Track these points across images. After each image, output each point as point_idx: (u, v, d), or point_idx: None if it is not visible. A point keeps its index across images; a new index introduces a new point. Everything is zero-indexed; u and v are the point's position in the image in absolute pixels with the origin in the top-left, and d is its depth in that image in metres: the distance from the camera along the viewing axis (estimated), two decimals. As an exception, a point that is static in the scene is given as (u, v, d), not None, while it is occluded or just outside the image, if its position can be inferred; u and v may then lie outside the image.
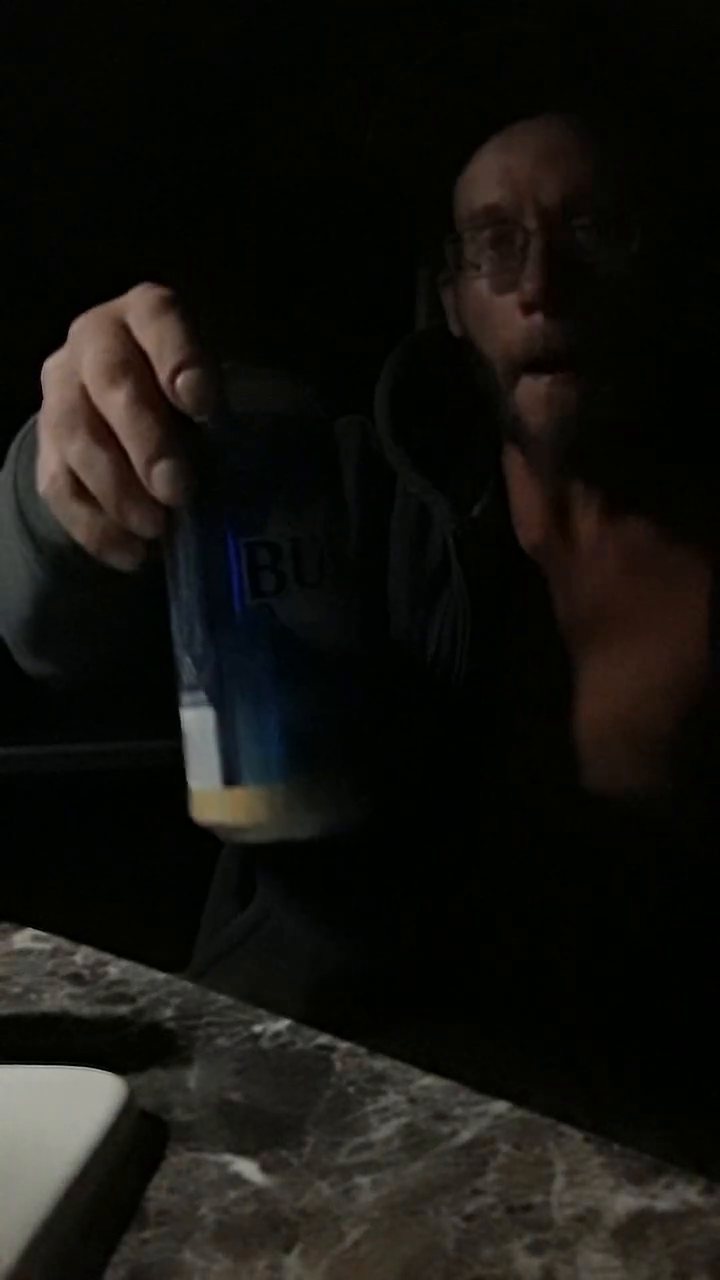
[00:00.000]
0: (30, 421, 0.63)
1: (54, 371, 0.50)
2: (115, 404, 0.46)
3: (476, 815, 0.85)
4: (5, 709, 1.52)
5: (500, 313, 0.80)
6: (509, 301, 0.79)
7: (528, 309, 0.77)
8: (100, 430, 0.47)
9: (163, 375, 0.46)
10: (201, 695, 0.48)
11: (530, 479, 0.88)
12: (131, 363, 0.47)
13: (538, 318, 0.77)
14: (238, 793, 0.47)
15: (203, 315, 0.48)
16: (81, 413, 0.48)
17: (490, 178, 0.81)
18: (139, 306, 0.48)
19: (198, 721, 0.49)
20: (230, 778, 0.47)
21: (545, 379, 0.79)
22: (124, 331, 0.48)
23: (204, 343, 0.47)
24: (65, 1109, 0.43)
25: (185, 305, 0.48)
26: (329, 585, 0.48)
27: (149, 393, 0.46)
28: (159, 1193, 0.40)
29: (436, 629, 0.86)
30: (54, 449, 0.49)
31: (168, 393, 0.46)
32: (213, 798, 0.48)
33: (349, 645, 0.49)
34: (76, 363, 0.48)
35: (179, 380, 0.45)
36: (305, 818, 0.48)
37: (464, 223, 0.83)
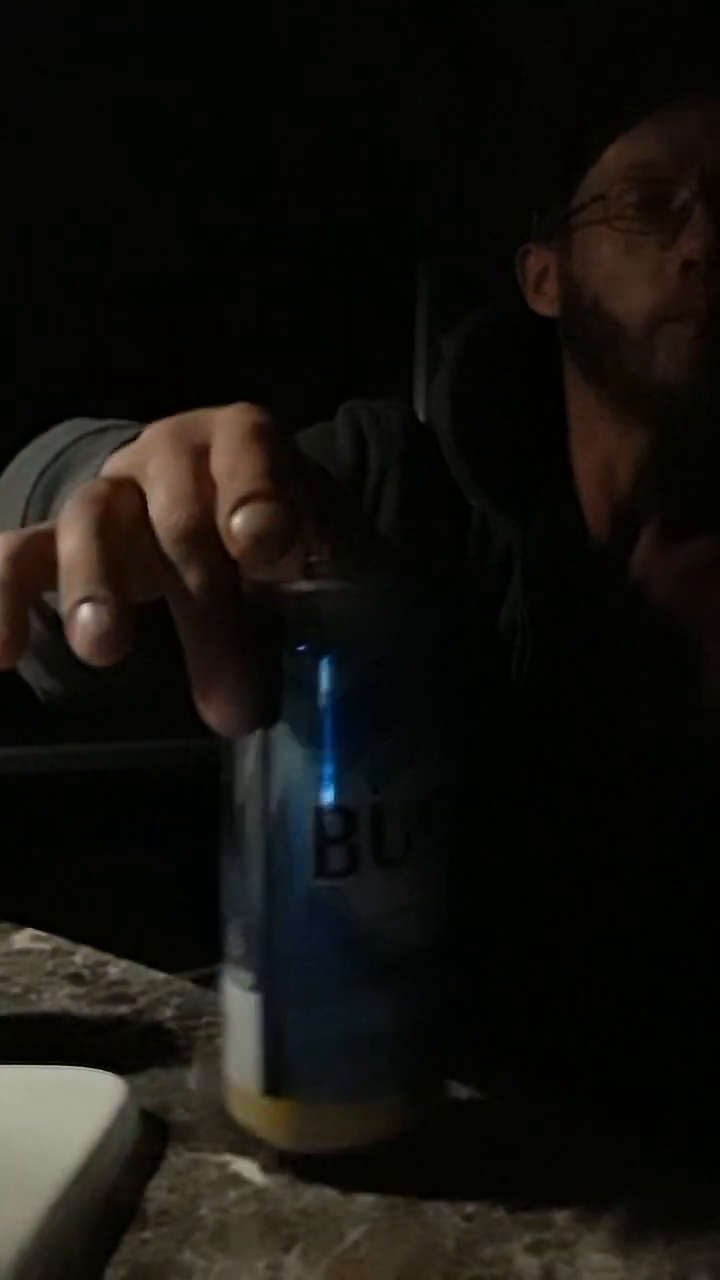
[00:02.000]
0: (54, 464, 0.60)
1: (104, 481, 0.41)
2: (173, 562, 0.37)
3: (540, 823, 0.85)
4: (5, 709, 1.52)
5: (648, 269, 0.80)
6: (660, 258, 0.79)
7: (688, 265, 0.78)
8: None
9: (222, 510, 0.37)
10: (247, 977, 0.41)
11: (599, 488, 0.87)
12: (199, 496, 0.38)
13: (699, 271, 0.77)
14: (280, 1105, 0.41)
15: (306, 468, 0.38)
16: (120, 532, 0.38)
17: (654, 140, 0.81)
18: (228, 426, 0.40)
19: (240, 1005, 0.42)
20: (272, 1086, 0.41)
21: (693, 328, 0.78)
22: (201, 457, 0.40)
23: (288, 483, 0.38)
24: (65, 1109, 0.43)
25: (284, 436, 0.41)
26: (413, 867, 0.40)
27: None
28: (159, 1193, 0.40)
29: (500, 644, 0.85)
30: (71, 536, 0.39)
31: (222, 533, 0.36)
32: (250, 1100, 0.42)
33: (431, 943, 0.42)
34: (139, 472, 0.40)
35: (238, 515, 0.36)
36: (359, 1134, 0.41)
37: (611, 181, 0.82)
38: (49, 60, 1.48)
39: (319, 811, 0.39)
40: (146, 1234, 0.38)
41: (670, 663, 0.85)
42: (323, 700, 0.39)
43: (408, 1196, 0.40)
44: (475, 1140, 0.45)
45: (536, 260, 0.89)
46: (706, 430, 0.82)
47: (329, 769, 0.39)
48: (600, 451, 0.87)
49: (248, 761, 0.40)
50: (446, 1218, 0.39)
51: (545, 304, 0.89)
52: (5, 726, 1.52)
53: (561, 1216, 0.39)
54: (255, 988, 0.41)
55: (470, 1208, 0.39)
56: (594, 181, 0.83)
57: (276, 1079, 0.41)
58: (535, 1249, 0.36)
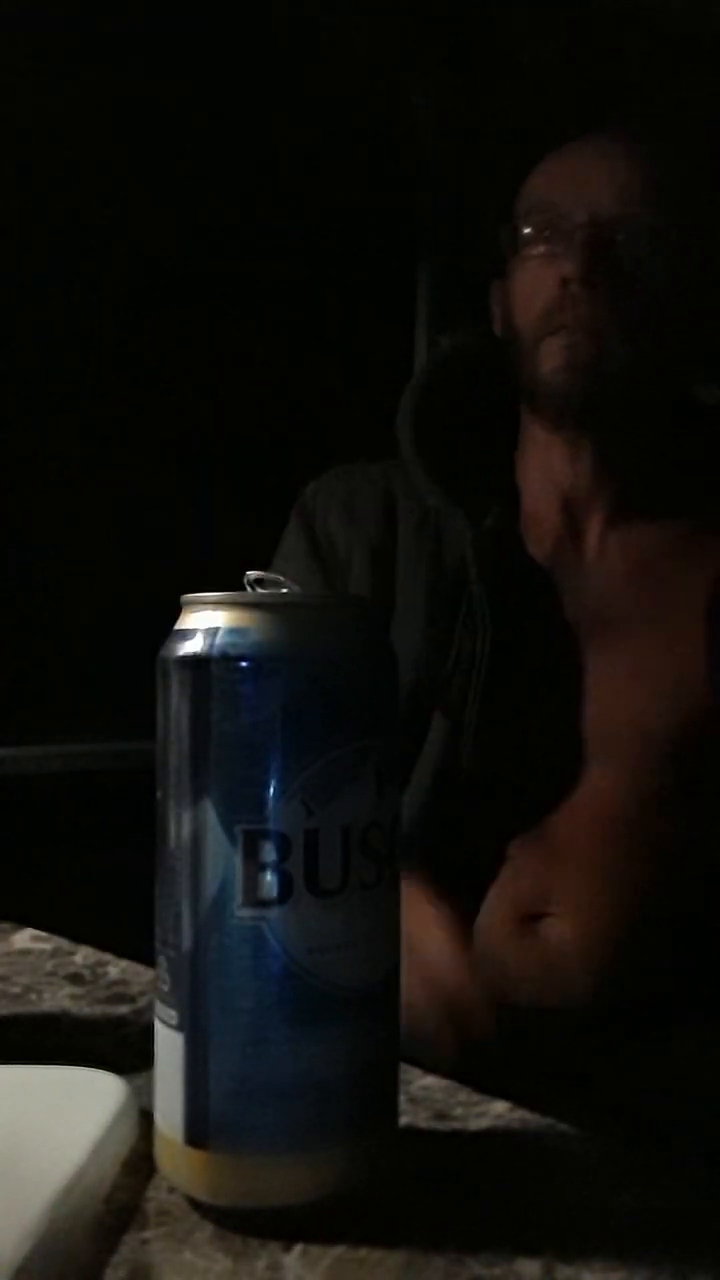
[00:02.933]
0: None
1: None
2: None
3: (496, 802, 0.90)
4: (5, 709, 1.52)
5: (542, 287, 0.92)
6: (550, 276, 0.91)
7: (564, 282, 0.90)
8: None
9: None
10: (172, 1014, 0.38)
11: (544, 484, 0.96)
12: None
13: (572, 288, 0.89)
14: (204, 1157, 0.38)
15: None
16: None
17: (552, 178, 0.95)
18: None
19: (165, 1045, 0.39)
20: (194, 1136, 0.38)
21: (566, 337, 0.90)
22: None
23: None
24: (65, 1109, 0.43)
25: None
26: (353, 899, 0.38)
27: None
28: (159, 1193, 0.40)
29: (456, 640, 0.91)
30: None
31: None
32: (173, 1149, 0.39)
33: (373, 983, 0.39)
34: None
35: None
36: (292, 1191, 0.38)
37: (523, 214, 0.95)
38: (48, 59, 1.48)
39: (249, 834, 0.37)
40: (146, 1234, 0.38)
41: (623, 645, 0.92)
42: (258, 715, 0.37)
43: (408, 1196, 0.40)
44: (475, 1141, 0.44)
45: (496, 292, 1.02)
46: (602, 426, 0.94)
47: (261, 788, 0.37)
48: (539, 452, 0.98)
49: (177, 777, 0.39)
50: (446, 1218, 0.39)
51: (499, 329, 1.01)
52: (5, 726, 1.52)
53: (561, 1217, 0.39)
54: (180, 1026, 0.38)
55: (470, 1208, 0.39)
56: (516, 215, 0.96)
57: (200, 1128, 0.38)
58: (535, 1249, 0.36)
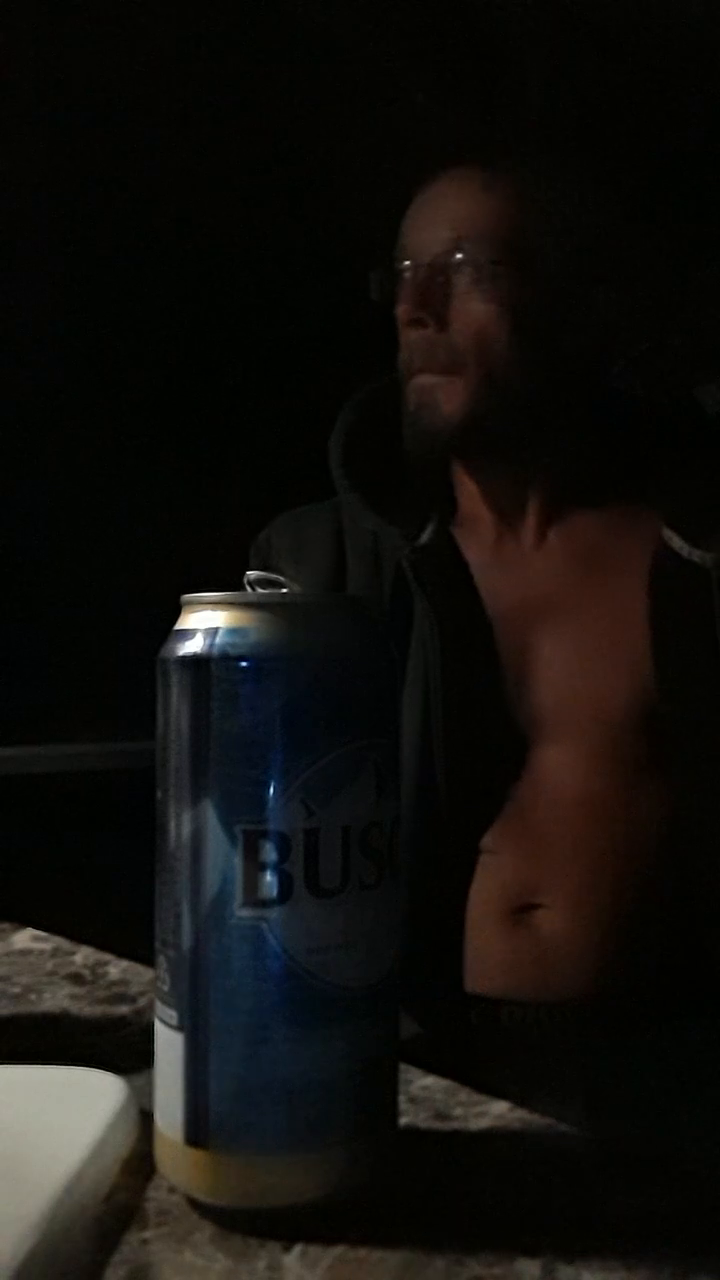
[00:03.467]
0: None
1: None
2: None
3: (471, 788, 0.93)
4: (5, 709, 1.52)
5: (403, 330, 0.98)
6: (402, 318, 0.97)
7: (405, 326, 0.97)
8: None
9: None
10: (172, 1014, 0.39)
11: (477, 495, 1.02)
12: None
13: (411, 333, 0.96)
14: (203, 1157, 0.38)
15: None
16: None
17: (409, 223, 0.99)
18: None
19: (165, 1045, 0.39)
20: (194, 1136, 0.38)
21: (417, 379, 0.97)
22: None
23: None
24: (65, 1109, 0.43)
25: None
26: (353, 899, 0.38)
27: None
28: (159, 1193, 0.40)
29: (410, 651, 0.95)
30: None
31: None
32: (173, 1149, 0.39)
33: (373, 984, 0.39)
34: None
35: None
36: (292, 1191, 0.38)
37: (395, 258, 1.00)
38: (48, 58, 1.48)
39: (249, 834, 0.37)
40: (146, 1234, 0.38)
41: (573, 626, 0.96)
42: (258, 715, 0.37)
43: (408, 1196, 0.40)
44: (475, 1141, 0.44)
45: None
46: (479, 451, 0.99)
47: (261, 788, 0.37)
48: (465, 471, 1.03)
49: (177, 777, 0.39)
50: (446, 1218, 0.39)
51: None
52: (5, 726, 1.52)
53: (561, 1217, 0.39)
54: (179, 1026, 0.38)
55: (470, 1209, 0.39)
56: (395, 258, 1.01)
57: (200, 1128, 0.38)
58: (535, 1249, 0.36)
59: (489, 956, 0.91)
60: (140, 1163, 0.42)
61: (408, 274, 0.96)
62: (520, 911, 0.91)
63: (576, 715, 0.94)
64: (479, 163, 0.97)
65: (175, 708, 0.39)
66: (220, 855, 0.37)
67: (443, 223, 0.96)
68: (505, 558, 1.00)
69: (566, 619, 0.96)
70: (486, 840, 0.93)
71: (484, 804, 0.93)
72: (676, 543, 0.95)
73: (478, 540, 1.01)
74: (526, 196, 0.96)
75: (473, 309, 0.94)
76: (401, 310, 0.96)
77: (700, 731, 0.91)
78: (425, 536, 1.00)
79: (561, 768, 0.94)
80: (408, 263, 0.97)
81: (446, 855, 0.92)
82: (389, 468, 1.03)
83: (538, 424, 0.98)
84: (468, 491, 1.03)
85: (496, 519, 1.01)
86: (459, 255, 0.94)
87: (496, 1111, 0.46)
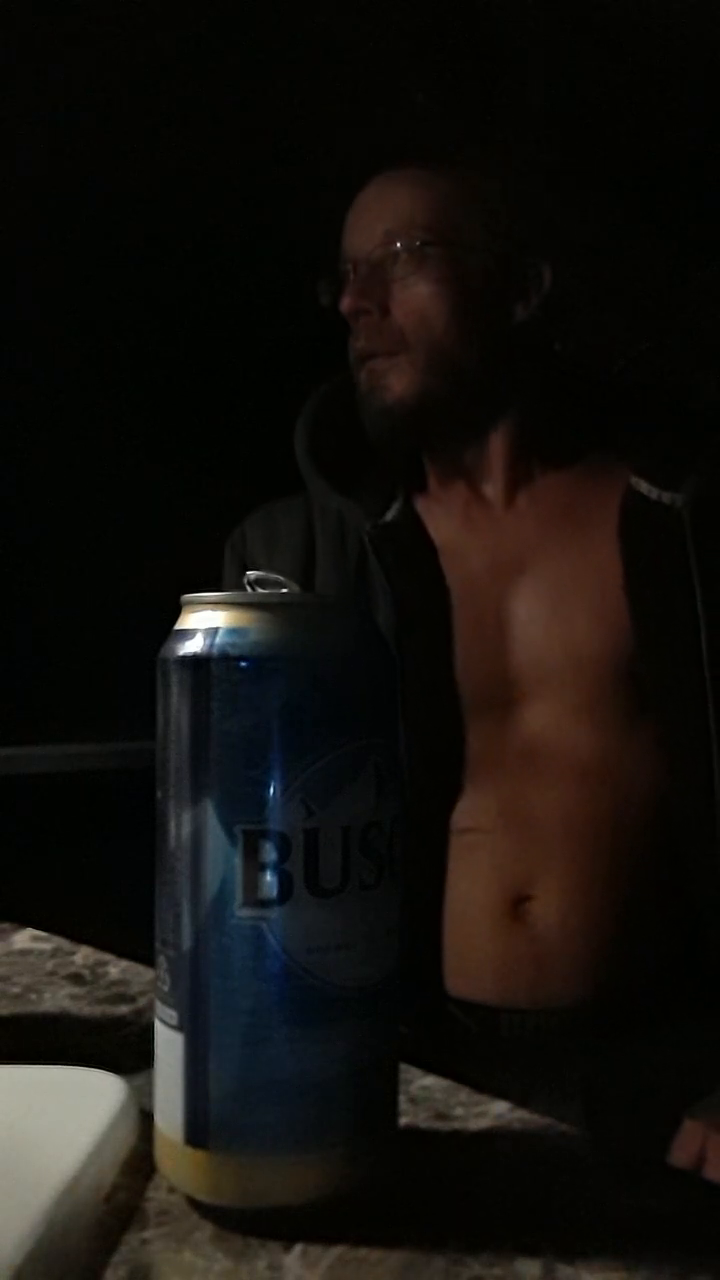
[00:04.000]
0: None
1: None
2: None
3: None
4: (5, 709, 1.52)
5: (351, 325, 1.01)
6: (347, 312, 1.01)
7: (351, 319, 1.00)
8: None
9: None
10: (172, 1014, 0.39)
11: (445, 466, 1.04)
12: None
13: (357, 323, 1.00)
14: (204, 1157, 0.38)
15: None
16: None
17: (348, 226, 1.03)
18: None
19: (165, 1045, 0.39)
20: (194, 1136, 0.38)
21: (368, 363, 1.00)
22: None
23: None
24: (65, 1109, 0.43)
25: None
26: (352, 899, 0.38)
27: None
28: (159, 1193, 0.40)
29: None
30: None
31: None
32: (173, 1150, 0.39)
33: (374, 984, 0.39)
34: None
35: None
36: (292, 1191, 0.38)
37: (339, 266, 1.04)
38: (47, 58, 1.48)
39: (249, 834, 0.37)
40: (146, 1234, 0.38)
41: (546, 583, 0.97)
42: (258, 715, 0.37)
43: (408, 1196, 0.40)
44: (475, 1141, 0.44)
45: None
46: (435, 428, 1.02)
47: (261, 788, 0.37)
48: (427, 447, 1.05)
49: (177, 777, 0.39)
50: (446, 1218, 0.39)
51: None
52: (5, 726, 1.52)
53: (561, 1217, 0.39)
54: (179, 1026, 0.38)
55: (470, 1209, 0.39)
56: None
57: (198, 1128, 0.38)
58: (535, 1249, 0.36)
59: (485, 959, 0.90)
60: (140, 1163, 0.42)
61: (349, 273, 1.01)
62: (515, 906, 0.90)
63: (556, 671, 0.95)
64: (410, 163, 1.01)
65: (175, 708, 0.39)
66: (220, 855, 0.37)
67: (375, 220, 1.00)
68: (475, 524, 1.02)
69: (540, 577, 0.98)
70: (476, 819, 0.93)
71: (454, 781, 0.94)
72: (645, 487, 0.97)
73: (446, 512, 1.03)
74: (457, 183, 1.00)
75: (410, 291, 0.98)
76: (345, 304, 1.00)
77: (678, 674, 0.92)
78: (390, 514, 1.02)
79: (545, 729, 0.94)
80: (349, 264, 1.01)
81: (424, 842, 0.92)
82: (354, 452, 1.05)
83: (490, 393, 1.01)
84: (435, 466, 1.05)
85: (464, 487, 1.03)
86: (394, 245, 0.98)
87: (496, 1111, 0.46)
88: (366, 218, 1.02)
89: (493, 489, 1.03)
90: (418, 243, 0.98)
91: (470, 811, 0.93)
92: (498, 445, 1.02)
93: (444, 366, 0.98)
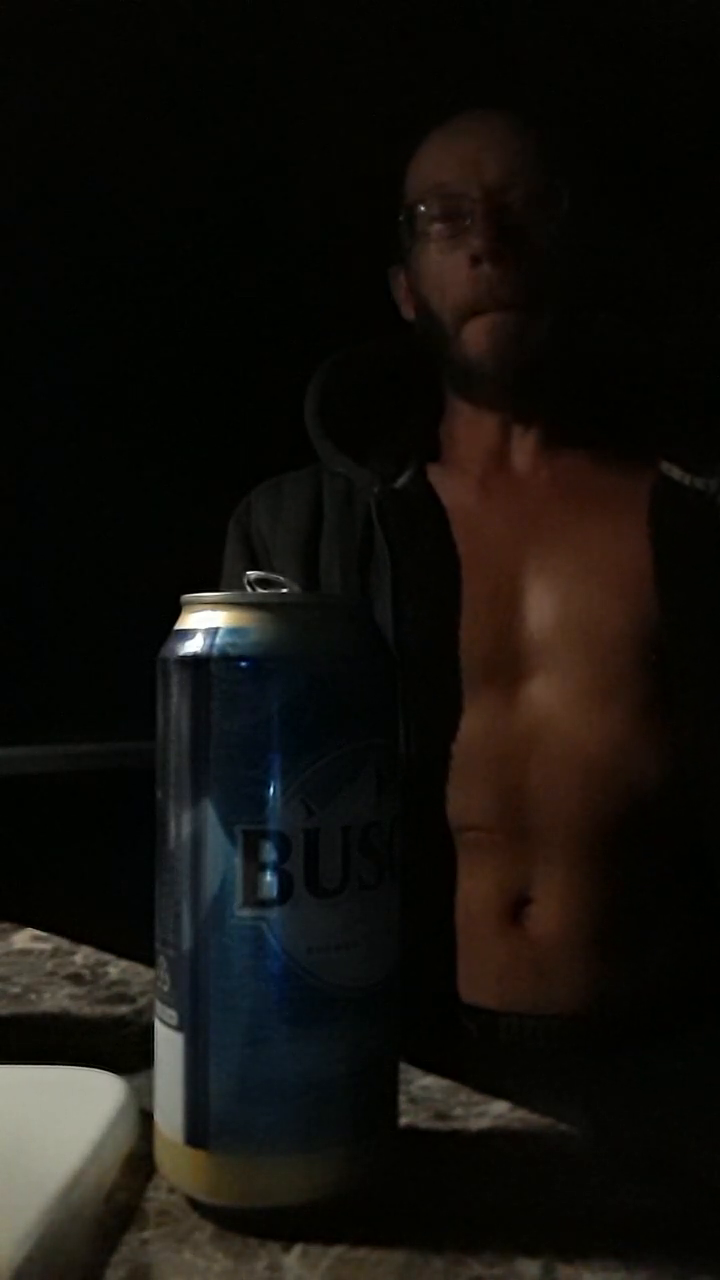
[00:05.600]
0: None
1: None
2: None
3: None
4: (5, 709, 1.52)
5: (451, 269, 0.94)
6: (458, 258, 0.93)
7: (475, 261, 0.92)
8: None
9: None
10: (172, 1014, 0.39)
11: (473, 440, 1.00)
12: None
13: (484, 267, 0.92)
14: (204, 1157, 0.38)
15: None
16: None
17: (439, 159, 0.96)
18: None
19: (165, 1045, 0.39)
20: (194, 1136, 0.38)
21: (487, 317, 0.93)
22: None
23: None
24: (65, 1109, 0.43)
25: None
26: (353, 899, 0.38)
27: None
28: (159, 1193, 0.40)
29: (370, 587, 0.94)
30: None
31: None
32: (173, 1150, 0.39)
33: (374, 983, 0.39)
34: None
35: None
36: (292, 1191, 0.38)
37: (416, 199, 0.96)
38: (47, 60, 1.48)
39: (249, 834, 0.37)
40: (146, 1234, 0.38)
41: (564, 552, 0.94)
42: (258, 715, 0.37)
43: (408, 1196, 0.40)
44: (475, 1141, 0.44)
45: (399, 277, 1.05)
46: (534, 394, 0.97)
47: (261, 788, 0.37)
48: (467, 420, 1.01)
49: (177, 777, 0.39)
50: (446, 1218, 0.39)
51: (410, 313, 1.05)
52: (5, 726, 1.52)
53: (561, 1217, 0.39)
54: (179, 1026, 0.38)
55: (470, 1209, 0.39)
56: (409, 200, 0.98)
57: (199, 1127, 0.38)
58: (535, 1249, 0.36)
59: (485, 963, 0.88)
60: (140, 1163, 0.42)
61: (448, 214, 0.93)
62: (515, 909, 0.88)
63: (570, 648, 0.91)
64: (495, 107, 0.95)
65: (175, 708, 0.39)
66: (220, 855, 0.37)
67: (488, 154, 0.93)
68: (493, 491, 0.98)
69: (560, 550, 0.94)
70: (475, 816, 0.89)
71: (451, 761, 0.90)
72: (676, 473, 0.94)
73: (462, 478, 1.00)
74: (548, 137, 0.95)
75: (540, 241, 0.92)
76: (478, 245, 0.91)
77: (706, 662, 0.88)
78: (401, 480, 0.98)
79: (553, 712, 0.90)
80: (439, 205, 0.94)
81: (424, 836, 0.88)
82: (364, 417, 1.02)
83: (566, 370, 0.97)
84: (457, 433, 1.02)
85: (485, 457, 1.00)
86: (516, 183, 0.92)
87: (496, 1111, 0.46)
88: (470, 150, 0.94)
89: (517, 460, 0.99)
90: (545, 184, 0.92)
91: (470, 808, 0.89)
92: (537, 414, 0.98)
93: (562, 328, 0.94)
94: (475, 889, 0.89)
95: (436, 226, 0.95)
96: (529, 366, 0.94)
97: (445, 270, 0.95)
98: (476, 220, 0.92)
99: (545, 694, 0.91)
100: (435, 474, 1.00)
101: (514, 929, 0.87)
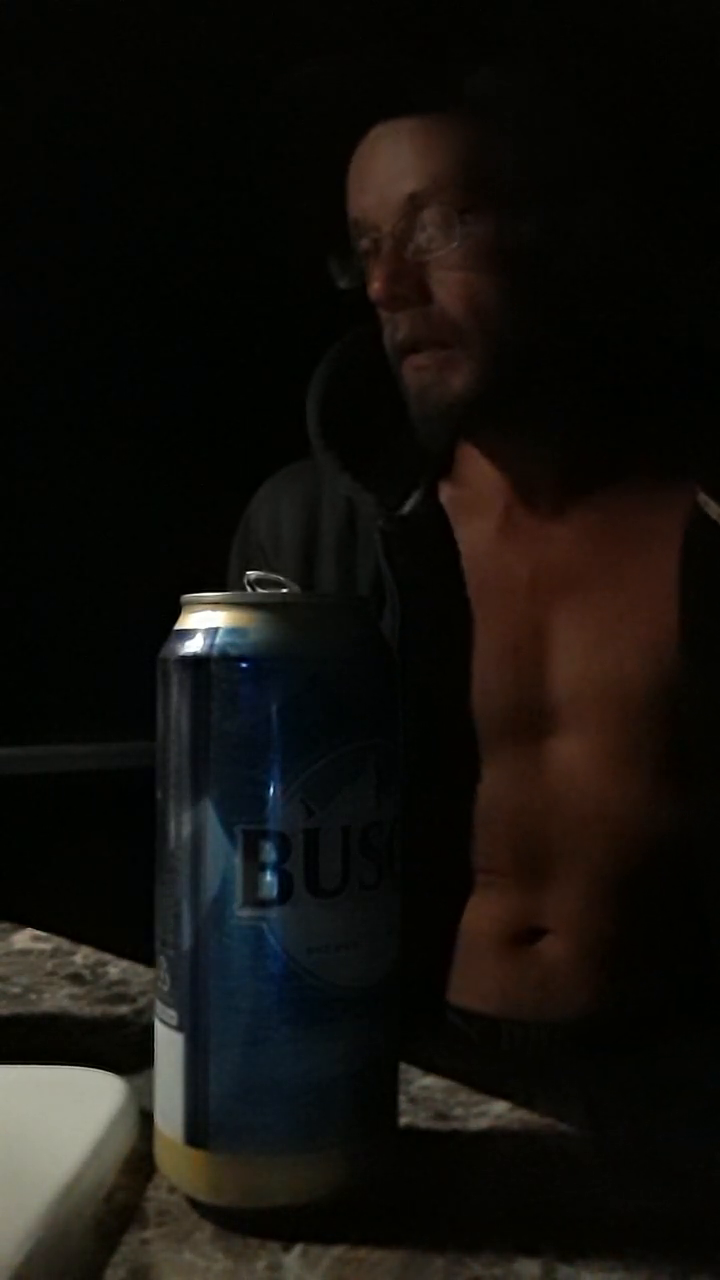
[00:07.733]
0: None
1: None
2: None
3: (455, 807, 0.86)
4: (5, 709, 1.52)
5: (382, 312, 0.86)
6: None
7: (380, 305, 0.85)
8: None
9: None
10: (172, 1014, 0.39)
11: (491, 464, 0.91)
12: None
13: (392, 310, 0.84)
14: (204, 1157, 0.38)
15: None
16: None
17: (356, 184, 0.86)
18: None
19: (165, 1045, 0.39)
20: (194, 1136, 0.38)
21: (412, 358, 0.85)
22: None
23: None
24: (65, 1109, 0.43)
25: None
26: (353, 900, 0.38)
27: None
28: (159, 1193, 0.40)
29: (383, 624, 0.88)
30: None
31: None
32: (173, 1149, 0.39)
33: (374, 984, 0.39)
34: None
35: None
36: (292, 1191, 0.38)
37: (353, 232, 0.87)
38: (43, 58, 1.48)
39: (249, 834, 0.37)
40: (146, 1234, 0.38)
41: (592, 601, 0.87)
42: (258, 715, 0.37)
43: (408, 1196, 0.40)
44: (475, 1141, 0.44)
45: None
46: (495, 426, 0.89)
47: (261, 788, 0.37)
48: (474, 450, 0.93)
49: (177, 777, 0.39)
50: (446, 1218, 0.39)
51: None
52: (5, 726, 1.52)
53: (561, 1217, 0.39)
54: (179, 1026, 0.38)
55: (470, 1209, 0.39)
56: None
57: (198, 1127, 0.38)
58: (535, 1249, 0.36)
59: (488, 975, 0.88)
60: (140, 1163, 0.42)
61: (370, 249, 0.84)
62: (523, 941, 0.86)
63: (596, 707, 0.85)
64: (418, 106, 0.82)
65: (175, 708, 0.39)
66: (220, 855, 0.37)
67: (392, 180, 0.82)
68: (515, 530, 0.90)
69: (587, 599, 0.86)
70: (488, 860, 0.86)
71: (456, 813, 0.86)
72: (714, 510, 0.85)
73: (481, 510, 0.91)
74: (487, 124, 0.82)
75: (454, 273, 0.82)
76: (375, 292, 0.83)
77: None
78: (408, 506, 0.90)
79: (575, 772, 0.85)
80: (364, 238, 0.85)
81: (429, 874, 0.83)
82: (372, 426, 0.93)
83: (550, 381, 0.87)
84: (474, 461, 0.93)
85: (509, 487, 0.91)
86: (424, 214, 0.81)
87: (496, 1111, 0.46)
88: (378, 176, 0.84)
89: (541, 494, 0.90)
90: (456, 210, 0.80)
91: (487, 856, 0.86)
92: (555, 445, 0.89)
93: (507, 357, 0.83)
94: (487, 912, 0.87)
95: (366, 264, 0.86)
96: (466, 405, 0.84)
97: (382, 311, 0.87)
98: (380, 262, 0.83)
99: (566, 754, 0.86)
100: (449, 497, 0.93)
101: (520, 952, 0.86)
